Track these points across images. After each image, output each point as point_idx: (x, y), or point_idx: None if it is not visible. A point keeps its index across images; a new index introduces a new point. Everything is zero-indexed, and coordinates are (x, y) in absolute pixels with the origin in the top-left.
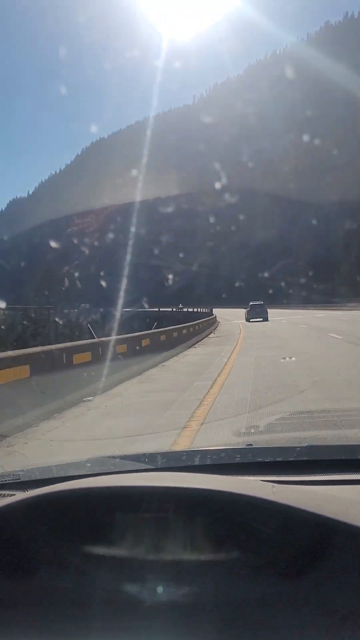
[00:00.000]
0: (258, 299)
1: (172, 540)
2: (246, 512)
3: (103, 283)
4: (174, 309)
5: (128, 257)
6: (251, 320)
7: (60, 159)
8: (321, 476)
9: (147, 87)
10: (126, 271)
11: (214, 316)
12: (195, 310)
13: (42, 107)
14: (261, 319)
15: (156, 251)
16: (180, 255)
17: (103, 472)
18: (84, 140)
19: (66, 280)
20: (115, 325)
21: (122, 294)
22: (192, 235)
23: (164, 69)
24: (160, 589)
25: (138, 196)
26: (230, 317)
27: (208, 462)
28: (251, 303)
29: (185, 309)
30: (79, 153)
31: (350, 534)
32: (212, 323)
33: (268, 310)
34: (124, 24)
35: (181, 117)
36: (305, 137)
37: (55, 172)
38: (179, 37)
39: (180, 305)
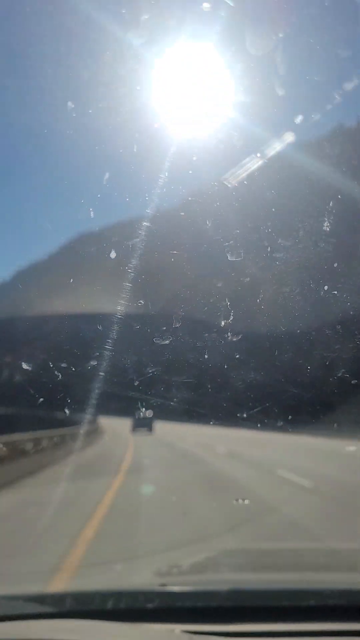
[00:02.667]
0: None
1: None
2: None
3: None
4: None
5: None
6: (136, 428)
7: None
8: (247, 626)
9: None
10: None
11: None
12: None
13: (32, 189)
14: (146, 429)
15: None
16: None
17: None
18: (70, 231)
19: None
20: None
21: None
22: None
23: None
24: None
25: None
26: None
27: (122, 606)
28: (138, 413)
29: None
30: (65, 243)
31: None
32: None
33: None
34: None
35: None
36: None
37: (36, 261)
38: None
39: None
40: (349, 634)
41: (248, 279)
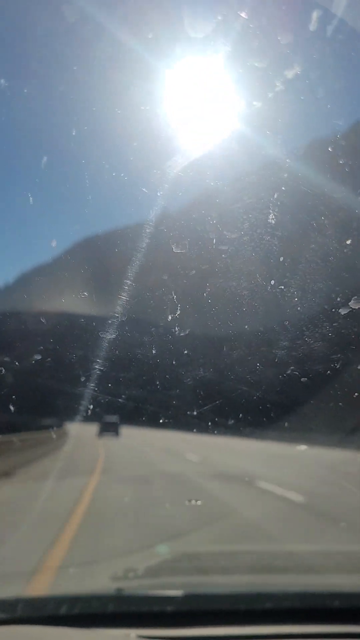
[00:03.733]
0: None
1: None
2: None
3: None
4: None
5: None
6: (103, 433)
7: (48, 250)
8: (203, 630)
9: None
10: None
11: None
12: None
13: (37, 192)
14: (112, 433)
15: None
16: None
17: None
18: (76, 234)
19: None
20: None
21: None
22: None
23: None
24: None
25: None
26: None
27: (76, 611)
28: (105, 418)
29: None
30: (69, 246)
31: None
32: None
33: None
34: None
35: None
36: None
37: (40, 264)
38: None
39: None
40: (305, 636)
41: (194, 272)
